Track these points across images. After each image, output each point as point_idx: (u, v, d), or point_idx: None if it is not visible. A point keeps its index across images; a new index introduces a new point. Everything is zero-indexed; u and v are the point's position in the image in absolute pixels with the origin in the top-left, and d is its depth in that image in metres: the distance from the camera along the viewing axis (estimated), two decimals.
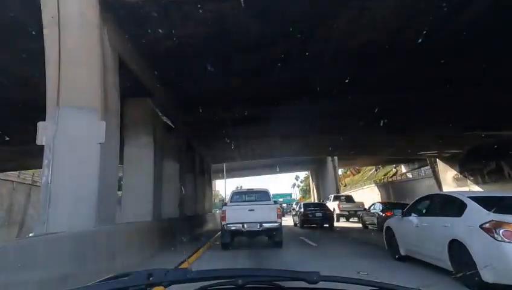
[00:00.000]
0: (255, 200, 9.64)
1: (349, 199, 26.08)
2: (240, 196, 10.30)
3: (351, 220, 23.24)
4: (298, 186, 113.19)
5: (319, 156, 25.76)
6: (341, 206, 23.24)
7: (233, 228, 8.45)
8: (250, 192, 10.42)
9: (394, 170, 58.29)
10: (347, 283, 1.06)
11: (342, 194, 32.44)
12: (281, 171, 66.05)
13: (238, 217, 8.47)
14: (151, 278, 0.99)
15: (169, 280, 1.00)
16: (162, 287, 1.03)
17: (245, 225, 8.38)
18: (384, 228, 7.46)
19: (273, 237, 8.83)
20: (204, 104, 11.31)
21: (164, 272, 1.02)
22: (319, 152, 22.57)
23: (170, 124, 10.48)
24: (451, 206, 5.37)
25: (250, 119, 12.75)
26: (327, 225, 16.89)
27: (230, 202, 9.72)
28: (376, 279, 1.13)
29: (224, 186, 75.63)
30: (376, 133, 15.68)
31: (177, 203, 11.41)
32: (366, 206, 22.00)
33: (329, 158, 46.29)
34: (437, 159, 24.07)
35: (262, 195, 9.74)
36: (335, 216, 21.29)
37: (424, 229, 5.76)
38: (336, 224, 19.80)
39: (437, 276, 5.26)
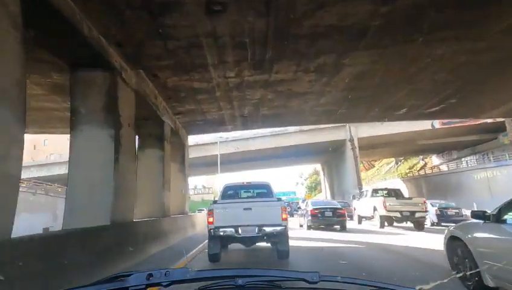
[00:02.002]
0: (254, 197, 8.22)
1: (397, 194, 17.50)
2: (234, 190, 8.34)
3: (396, 224, 16.24)
4: (302, 184, 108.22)
5: (365, 120, 15.68)
6: (388, 204, 15.18)
7: (223, 233, 6.58)
8: (247, 186, 8.58)
9: (422, 162, 49.55)
10: (347, 283, 1.06)
11: (386, 187, 23.48)
12: (286, 165, 57.95)
13: (230, 218, 6.69)
14: (151, 278, 1.00)
15: (169, 280, 1.01)
16: (162, 287, 1.03)
17: (239, 229, 6.61)
18: (446, 239, 4.87)
19: (276, 244, 6.89)
20: None
21: (164, 272, 1.03)
22: (368, 113, 12.94)
23: None
24: None
25: None
26: (338, 226, 14.98)
27: (222, 198, 7.74)
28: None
29: (220, 182, 67.52)
30: None
31: None
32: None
33: (349, 146, 37.72)
34: None
35: (262, 190, 8.16)
36: (378, 218, 15.70)
37: None
38: (382, 230, 14.69)
39: None
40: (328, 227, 15.02)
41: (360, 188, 36.23)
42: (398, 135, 35.65)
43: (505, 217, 3.87)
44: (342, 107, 11.82)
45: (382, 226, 15.46)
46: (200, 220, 18.08)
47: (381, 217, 15.51)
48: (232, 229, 6.60)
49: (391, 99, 10.95)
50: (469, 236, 4.34)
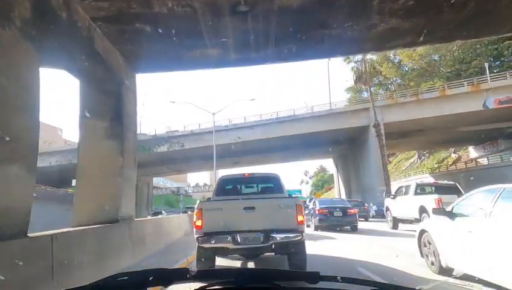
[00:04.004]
0: (258, 193, 6.62)
1: (455, 190, 12.79)
2: (232, 184, 6.61)
3: None
4: (307, 182, 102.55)
5: (496, 32, 8.25)
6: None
7: (214, 242, 4.98)
8: (249, 179, 6.78)
9: (454, 155, 42.38)
10: (347, 283, 1.04)
11: (436, 181, 17.02)
12: (292, 159, 51.23)
13: (225, 221, 5.08)
14: (151, 278, 0.99)
15: (170, 279, 1.01)
16: (162, 287, 1.02)
17: (238, 237, 4.94)
18: (418, 232, 6.15)
19: (289, 256, 5.33)
20: None
21: (164, 271, 1.03)
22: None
23: None
24: None
25: None
26: (348, 227, 14.19)
27: (216, 194, 6.19)
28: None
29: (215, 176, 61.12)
30: None
31: None
32: None
33: (373, 133, 30.88)
34: None
35: (269, 184, 6.55)
36: None
37: None
38: None
39: None
40: (336, 227, 14.41)
41: (388, 184, 29.46)
42: (436, 119, 28.78)
43: (455, 212, 5.08)
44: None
45: None
46: (172, 227, 11.54)
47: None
48: (228, 237, 4.95)
49: None
50: (433, 228, 5.63)
